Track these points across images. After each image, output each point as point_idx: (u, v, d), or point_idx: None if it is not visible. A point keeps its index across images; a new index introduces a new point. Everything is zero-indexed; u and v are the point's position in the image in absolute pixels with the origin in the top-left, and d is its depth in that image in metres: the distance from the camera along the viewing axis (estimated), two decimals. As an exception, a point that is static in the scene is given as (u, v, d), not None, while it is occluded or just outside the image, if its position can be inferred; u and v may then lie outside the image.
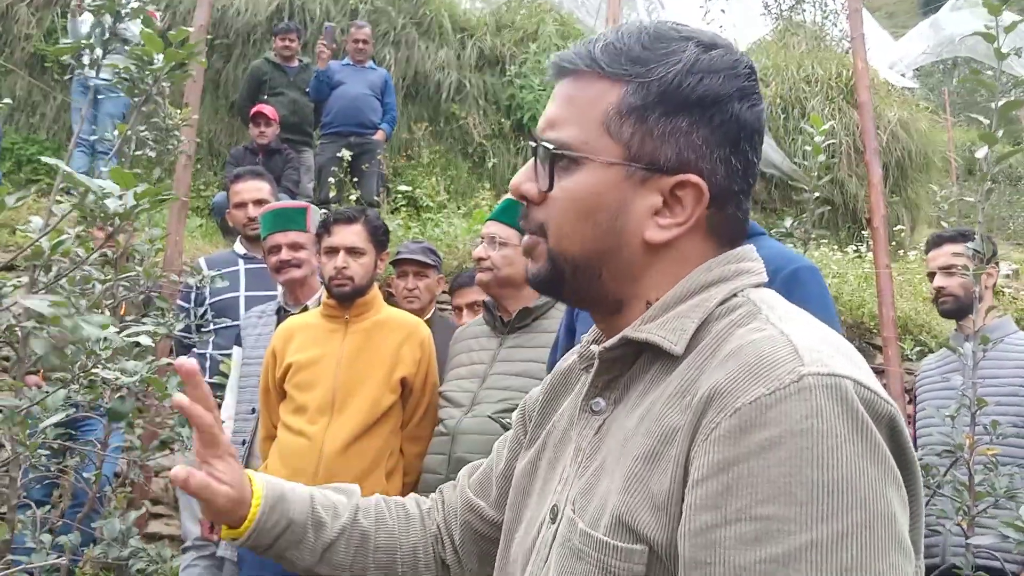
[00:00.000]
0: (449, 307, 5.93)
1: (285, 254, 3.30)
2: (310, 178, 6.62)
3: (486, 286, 2.82)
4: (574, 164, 0.97)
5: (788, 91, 9.44)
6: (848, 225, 8.93)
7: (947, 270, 3.09)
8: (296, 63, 6.82)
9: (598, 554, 0.87)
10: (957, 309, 3.06)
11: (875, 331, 6.37)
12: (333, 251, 2.94)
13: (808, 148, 3.86)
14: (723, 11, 11.41)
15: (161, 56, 1.80)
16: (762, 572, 0.76)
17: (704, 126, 0.94)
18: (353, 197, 6.04)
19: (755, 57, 10.39)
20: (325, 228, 3.00)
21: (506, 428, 2.05)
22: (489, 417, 2.57)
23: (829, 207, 8.84)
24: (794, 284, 1.93)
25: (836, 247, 7.43)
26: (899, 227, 7.98)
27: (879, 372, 6.35)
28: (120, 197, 1.62)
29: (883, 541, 0.76)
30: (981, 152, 2.72)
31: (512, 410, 2.54)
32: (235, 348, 3.41)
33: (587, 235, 0.97)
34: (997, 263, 3.14)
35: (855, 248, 7.40)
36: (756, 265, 0.99)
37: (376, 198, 6.51)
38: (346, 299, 2.93)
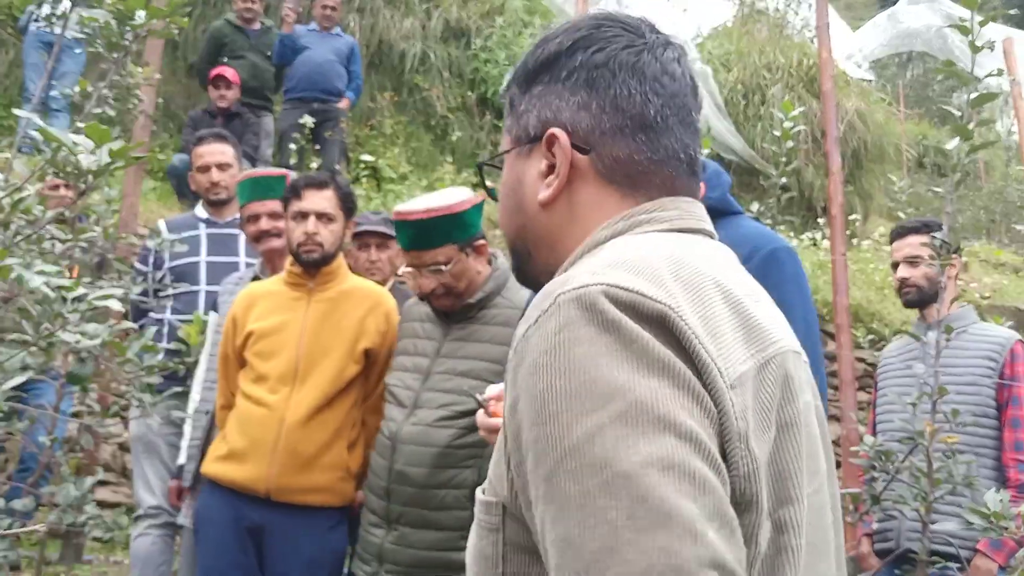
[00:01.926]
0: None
1: (265, 223, 3.22)
2: (269, 143, 6.49)
3: (452, 307, 2.58)
4: (498, 170, 1.10)
5: (749, 77, 9.50)
6: (803, 213, 9.03)
7: (911, 261, 3.13)
8: (258, 26, 6.66)
9: (477, 509, 0.93)
10: (920, 299, 3.10)
11: (828, 318, 6.46)
12: (303, 216, 2.87)
13: (777, 134, 3.89)
14: (687, -6, 11.45)
15: (143, 13, 1.72)
16: (543, 493, 0.77)
17: (555, 83, 1.01)
18: (314, 165, 5.93)
19: (717, 42, 10.43)
20: (295, 192, 2.92)
21: (481, 405, 2.02)
22: (466, 392, 2.48)
23: (787, 194, 8.95)
24: (772, 264, 1.94)
25: (792, 234, 7.52)
26: (853, 216, 8.10)
27: (831, 359, 6.45)
28: (93, 153, 1.56)
29: (640, 428, 0.74)
30: (952, 143, 2.75)
31: (455, 417, 2.43)
32: (211, 314, 3.34)
33: (506, 220, 1.08)
34: (961, 254, 3.19)
35: (810, 236, 7.49)
36: (669, 213, 0.98)
37: (337, 167, 6.41)
38: (314, 266, 2.87)
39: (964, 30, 2.79)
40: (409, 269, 2.64)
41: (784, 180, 3.59)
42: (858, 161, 9.46)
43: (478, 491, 0.94)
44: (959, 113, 2.76)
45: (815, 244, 7.21)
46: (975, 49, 2.83)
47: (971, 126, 2.72)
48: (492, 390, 1.99)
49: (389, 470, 2.50)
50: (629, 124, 0.98)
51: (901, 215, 5.36)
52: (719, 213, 2.03)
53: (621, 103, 0.98)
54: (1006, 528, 1.88)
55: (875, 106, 10.22)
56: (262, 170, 3.66)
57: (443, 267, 2.51)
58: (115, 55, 1.83)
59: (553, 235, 1.02)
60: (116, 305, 1.65)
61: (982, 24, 2.75)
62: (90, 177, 1.52)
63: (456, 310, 2.60)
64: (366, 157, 6.78)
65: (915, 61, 20.75)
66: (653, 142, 0.98)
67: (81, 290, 1.61)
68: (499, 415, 1.95)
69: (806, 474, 0.89)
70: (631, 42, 1.00)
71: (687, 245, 0.93)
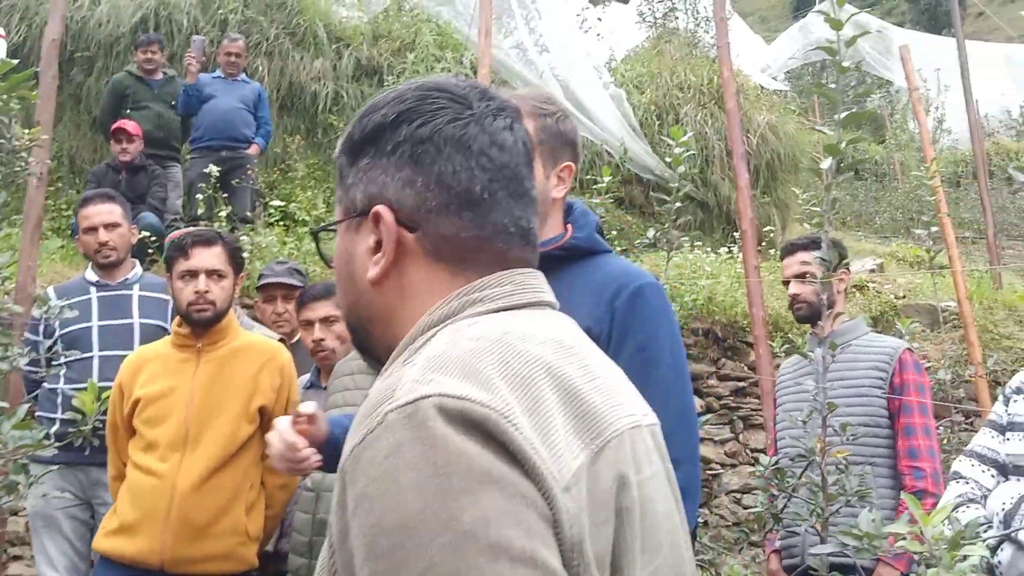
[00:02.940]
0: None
1: None
2: (178, 194, 6.38)
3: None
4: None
5: (662, 98, 9.65)
6: (723, 227, 9.17)
7: (800, 277, 3.18)
8: (160, 75, 6.57)
9: None
10: (811, 315, 3.14)
11: (748, 329, 6.56)
12: (192, 275, 2.82)
13: (674, 158, 3.95)
14: (600, 19, 11.63)
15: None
16: None
17: (380, 157, 0.99)
18: (224, 214, 5.84)
19: (630, 65, 10.60)
20: (181, 251, 2.87)
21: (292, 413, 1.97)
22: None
23: (703, 210, 9.09)
24: (639, 300, 1.95)
25: (710, 248, 7.62)
26: (768, 228, 8.25)
27: (752, 369, 6.54)
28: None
29: (472, 560, 0.73)
30: (826, 163, 2.82)
31: None
32: None
33: (340, 293, 1.06)
34: (848, 268, 3.26)
35: (728, 249, 7.61)
36: (504, 289, 0.97)
37: (250, 214, 6.33)
38: (207, 325, 2.82)
39: (831, 51, 2.87)
40: None
41: (679, 204, 3.63)
42: (773, 173, 9.65)
43: None
44: (832, 133, 2.84)
45: (733, 257, 7.32)
46: (843, 70, 2.91)
47: (842, 145, 2.80)
48: (309, 407, 1.95)
49: (312, 522, 2.44)
50: (455, 201, 0.96)
51: (807, 226, 5.51)
52: (587, 252, 2.04)
53: (446, 180, 0.96)
54: (878, 548, 1.92)
55: (787, 117, 10.45)
56: (191, 229, 3.60)
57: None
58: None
59: (386, 313, 1.01)
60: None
61: (849, 44, 2.83)
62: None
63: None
64: (277, 202, 6.73)
65: (829, 70, 21.36)
66: (481, 218, 0.97)
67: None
68: (307, 432, 1.91)
69: (639, 554, 0.89)
70: (457, 114, 0.98)
71: (520, 326, 0.92)
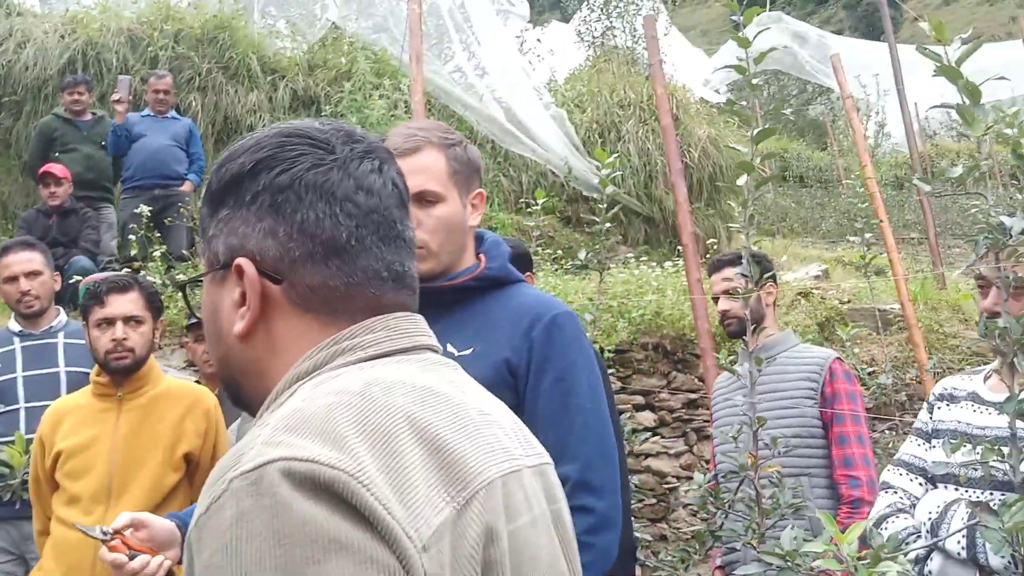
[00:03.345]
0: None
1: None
2: (112, 235, 6.28)
3: None
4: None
5: (603, 116, 9.71)
6: (669, 240, 9.23)
7: (730, 293, 3.19)
8: (89, 116, 6.48)
9: None
10: (741, 330, 3.15)
11: (697, 342, 6.58)
12: (108, 322, 2.76)
13: (601, 180, 3.97)
14: (539, 40, 11.71)
15: None
16: None
17: (240, 208, 0.96)
18: (159, 253, 5.74)
19: (571, 85, 10.67)
20: (96, 299, 2.81)
21: (104, 541, 1.90)
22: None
23: (649, 224, 9.16)
24: (554, 330, 1.95)
25: (656, 263, 7.66)
26: (712, 240, 8.32)
27: (704, 381, 6.57)
28: None
29: None
30: (741, 180, 2.84)
31: None
32: None
33: (211, 347, 1.02)
34: (775, 281, 3.28)
35: (673, 263, 7.65)
36: (376, 336, 0.95)
37: (186, 252, 6.24)
38: (126, 373, 2.76)
39: (740, 70, 2.90)
40: None
41: (608, 225, 3.65)
42: (715, 185, 9.75)
43: None
44: (746, 150, 2.86)
45: (678, 271, 7.36)
46: (753, 88, 2.96)
47: (756, 161, 2.82)
48: (122, 519, 1.89)
49: None
50: (320, 250, 0.94)
51: (742, 238, 5.49)
52: (500, 283, 2.03)
53: (309, 228, 0.94)
54: (799, 566, 1.91)
55: (727, 129, 10.57)
56: (106, 275, 3.54)
57: None
58: None
59: (256, 367, 0.97)
60: None
61: (757, 61, 2.87)
62: None
63: None
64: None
65: (770, 79, 21.69)
66: (348, 265, 0.95)
67: None
68: (119, 550, 1.86)
69: None
70: (319, 160, 0.96)
71: (387, 376, 0.90)
